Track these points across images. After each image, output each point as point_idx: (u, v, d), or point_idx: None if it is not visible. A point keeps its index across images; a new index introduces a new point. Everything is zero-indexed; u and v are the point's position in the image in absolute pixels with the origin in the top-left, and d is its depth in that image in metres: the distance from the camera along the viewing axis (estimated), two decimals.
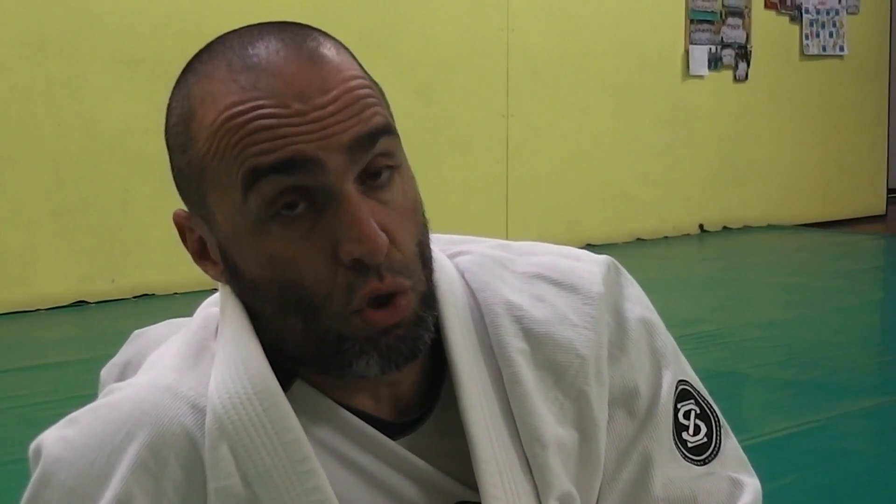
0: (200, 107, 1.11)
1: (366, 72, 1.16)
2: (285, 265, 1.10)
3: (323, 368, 1.14)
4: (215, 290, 1.21)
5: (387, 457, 1.16)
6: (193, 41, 1.19)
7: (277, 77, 1.09)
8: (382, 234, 1.08)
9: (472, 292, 1.24)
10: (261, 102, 1.08)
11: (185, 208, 1.18)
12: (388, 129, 1.12)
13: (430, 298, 1.15)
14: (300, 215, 1.09)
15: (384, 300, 1.10)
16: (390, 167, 1.12)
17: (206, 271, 1.19)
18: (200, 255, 1.18)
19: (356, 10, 7.43)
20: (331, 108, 1.08)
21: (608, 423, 1.25)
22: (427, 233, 1.17)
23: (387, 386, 1.18)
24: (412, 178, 1.16)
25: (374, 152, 1.10)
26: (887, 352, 5.62)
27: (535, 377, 1.21)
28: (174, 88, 1.16)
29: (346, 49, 1.16)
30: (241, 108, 1.08)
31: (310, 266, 1.09)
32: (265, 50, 1.11)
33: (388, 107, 1.15)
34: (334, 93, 1.09)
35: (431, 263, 1.17)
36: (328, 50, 1.12)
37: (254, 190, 1.08)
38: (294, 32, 1.13)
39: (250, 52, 1.11)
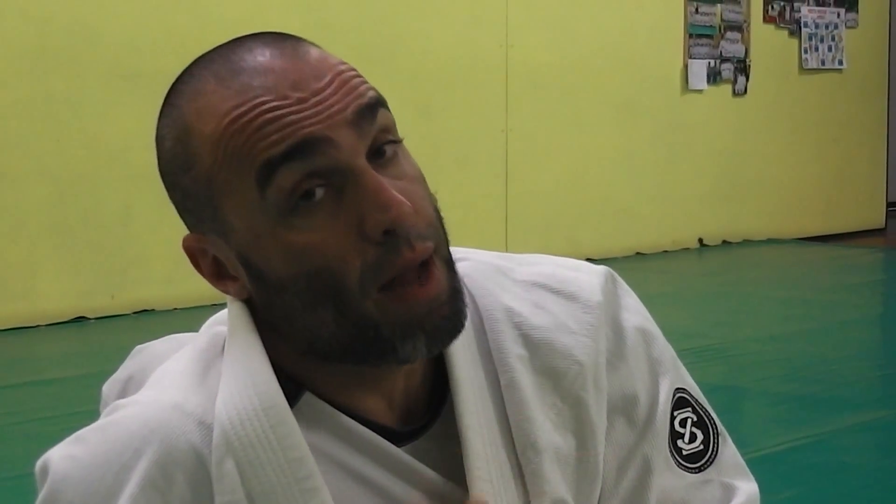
0: (197, 122, 1.12)
1: None
2: (312, 255, 1.09)
3: (360, 359, 1.13)
4: (216, 304, 1.21)
5: (393, 466, 1.16)
6: (193, 56, 1.19)
7: (269, 74, 1.10)
8: (405, 200, 1.09)
9: (471, 297, 1.24)
10: (260, 100, 1.09)
11: (191, 233, 1.17)
12: (384, 103, 1.13)
13: (452, 264, 1.15)
14: (320, 202, 1.09)
15: (420, 276, 1.10)
16: (393, 143, 1.13)
17: (225, 291, 1.18)
18: (217, 275, 1.17)
19: (356, 26, 7.45)
20: (328, 91, 1.10)
21: (608, 431, 1.26)
22: (437, 203, 1.17)
23: (401, 381, 1.17)
24: (412, 157, 1.18)
25: (377, 126, 1.11)
26: (887, 365, 5.62)
27: (533, 383, 1.21)
28: (160, 117, 1.16)
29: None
30: (241, 109, 1.09)
31: (338, 250, 1.09)
32: (250, 54, 1.12)
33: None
34: (328, 77, 1.11)
35: (446, 230, 1.17)
36: (310, 47, 1.15)
37: (271, 184, 1.08)
38: (273, 36, 1.15)
39: (235, 59, 1.12)
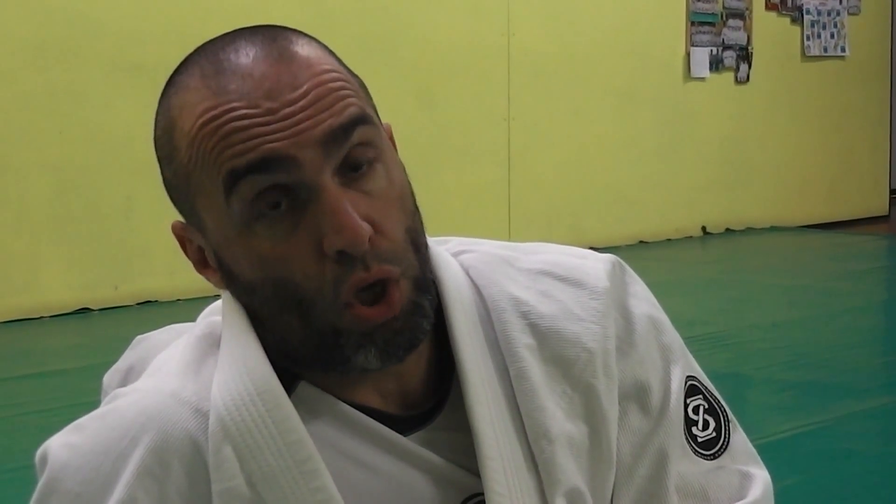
0: (179, 117, 1.12)
1: (344, 66, 1.16)
2: (275, 264, 1.11)
3: (325, 365, 1.14)
4: (218, 296, 1.22)
5: (399, 453, 1.17)
6: (194, 47, 1.19)
7: (247, 78, 1.10)
8: (364, 224, 1.09)
9: (477, 289, 1.24)
10: (232, 105, 1.09)
11: (182, 219, 1.19)
12: (364, 119, 1.12)
13: (424, 283, 1.15)
14: (284, 213, 1.10)
15: (377, 294, 1.11)
16: (371, 157, 1.12)
17: (208, 279, 1.19)
18: (201, 263, 1.19)
19: (358, 15, 7.44)
20: (301, 104, 1.09)
21: (621, 418, 1.26)
22: (418, 220, 1.17)
23: (393, 381, 1.18)
24: (399, 166, 1.16)
25: (351, 143, 1.10)
26: (891, 352, 5.62)
27: (542, 372, 1.21)
28: (159, 101, 1.17)
29: (322, 46, 1.16)
30: (213, 112, 1.10)
31: (298, 263, 1.10)
32: (234, 54, 1.12)
33: (367, 98, 1.16)
34: (304, 87, 1.10)
35: (425, 251, 1.17)
36: (299, 47, 1.13)
37: (234, 193, 1.09)
38: (265, 34, 1.14)
39: (220, 57, 1.12)
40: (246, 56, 1.11)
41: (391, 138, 1.20)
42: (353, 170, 1.11)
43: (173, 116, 1.13)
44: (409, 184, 1.18)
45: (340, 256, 1.09)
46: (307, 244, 1.09)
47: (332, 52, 1.16)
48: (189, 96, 1.12)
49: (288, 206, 1.10)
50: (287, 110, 1.09)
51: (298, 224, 1.10)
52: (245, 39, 1.13)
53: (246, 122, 1.08)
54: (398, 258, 1.12)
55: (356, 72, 1.18)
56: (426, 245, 1.18)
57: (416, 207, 1.17)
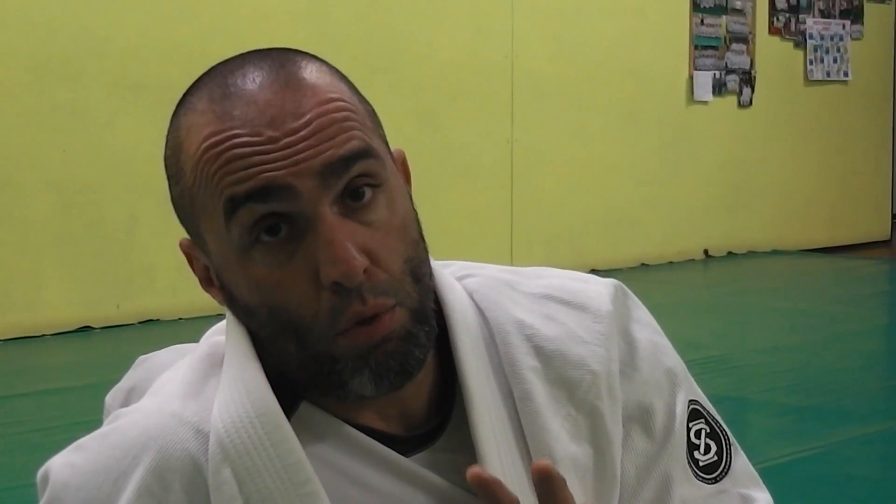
0: (186, 138, 1.13)
1: (356, 92, 1.17)
2: (271, 290, 1.11)
3: (322, 390, 1.14)
4: (221, 315, 1.22)
5: (401, 474, 1.17)
6: (198, 66, 1.20)
7: (251, 105, 1.10)
8: (359, 256, 1.09)
9: (481, 312, 1.25)
10: (235, 132, 1.10)
11: (186, 238, 1.20)
12: (366, 153, 1.11)
13: (422, 314, 1.14)
14: (282, 240, 1.10)
15: (369, 320, 1.10)
16: (373, 185, 1.12)
17: (213, 297, 1.20)
18: (206, 282, 1.19)
19: (361, 36, 7.45)
20: (303, 133, 1.09)
21: (625, 440, 1.26)
22: (420, 250, 1.16)
23: (394, 406, 1.18)
24: (404, 196, 1.16)
25: (351, 175, 1.10)
26: (892, 377, 5.61)
27: (547, 394, 1.22)
28: (171, 118, 1.18)
29: (333, 70, 1.16)
30: (217, 137, 1.10)
31: (293, 290, 1.10)
32: (241, 78, 1.13)
33: (374, 129, 1.16)
34: (308, 116, 1.10)
35: (427, 280, 1.16)
36: (307, 73, 1.13)
37: (233, 219, 1.10)
38: (275, 58, 1.14)
39: (228, 81, 1.13)
40: (252, 82, 1.12)
41: (404, 164, 1.21)
42: (354, 199, 1.11)
43: (181, 137, 1.14)
44: (415, 213, 1.18)
45: (336, 287, 1.09)
46: (303, 272, 1.10)
47: (342, 78, 1.16)
48: (195, 119, 1.13)
49: (287, 232, 1.10)
50: (288, 139, 1.09)
51: (296, 252, 1.10)
52: (253, 64, 1.14)
53: (247, 149, 1.09)
54: (394, 290, 1.12)
55: None
56: (429, 275, 1.17)
57: (421, 237, 1.17)
